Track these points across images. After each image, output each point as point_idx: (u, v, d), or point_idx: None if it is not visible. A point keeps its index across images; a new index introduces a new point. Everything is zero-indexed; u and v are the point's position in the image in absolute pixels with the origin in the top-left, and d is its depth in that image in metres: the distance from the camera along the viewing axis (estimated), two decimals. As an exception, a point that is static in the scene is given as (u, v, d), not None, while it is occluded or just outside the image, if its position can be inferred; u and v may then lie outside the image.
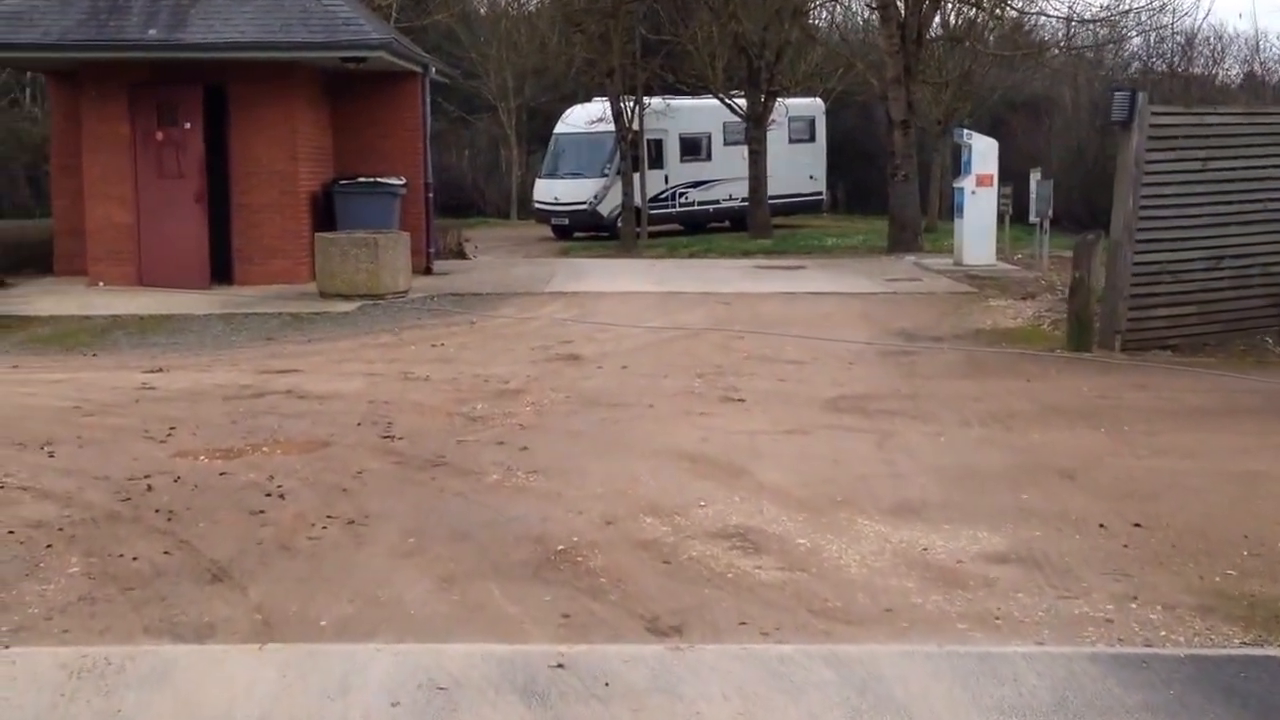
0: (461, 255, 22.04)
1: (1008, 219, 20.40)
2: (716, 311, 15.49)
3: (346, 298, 15.67)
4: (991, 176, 19.45)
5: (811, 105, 34.50)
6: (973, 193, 19.43)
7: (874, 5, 24.11)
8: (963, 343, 13.31)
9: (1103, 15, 25.08)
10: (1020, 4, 23.98)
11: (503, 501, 7.31)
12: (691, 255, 24.82)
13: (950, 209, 25.46)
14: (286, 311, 15.09)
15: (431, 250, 19.20)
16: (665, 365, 11.92)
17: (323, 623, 5.42)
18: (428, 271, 18.73)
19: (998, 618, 5.55)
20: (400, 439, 8.89)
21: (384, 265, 15.84)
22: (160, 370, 11.75)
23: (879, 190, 39.46)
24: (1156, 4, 36.08)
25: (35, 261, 18.64)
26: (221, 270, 17.07)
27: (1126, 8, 25.19)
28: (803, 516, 7.03)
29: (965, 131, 20.26)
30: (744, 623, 5.46)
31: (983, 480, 7.84)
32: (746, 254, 24.30)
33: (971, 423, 9.52)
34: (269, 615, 5.50)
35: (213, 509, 7.10)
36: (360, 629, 5.36)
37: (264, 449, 8.60)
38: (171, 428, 9.19)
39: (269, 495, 7.39)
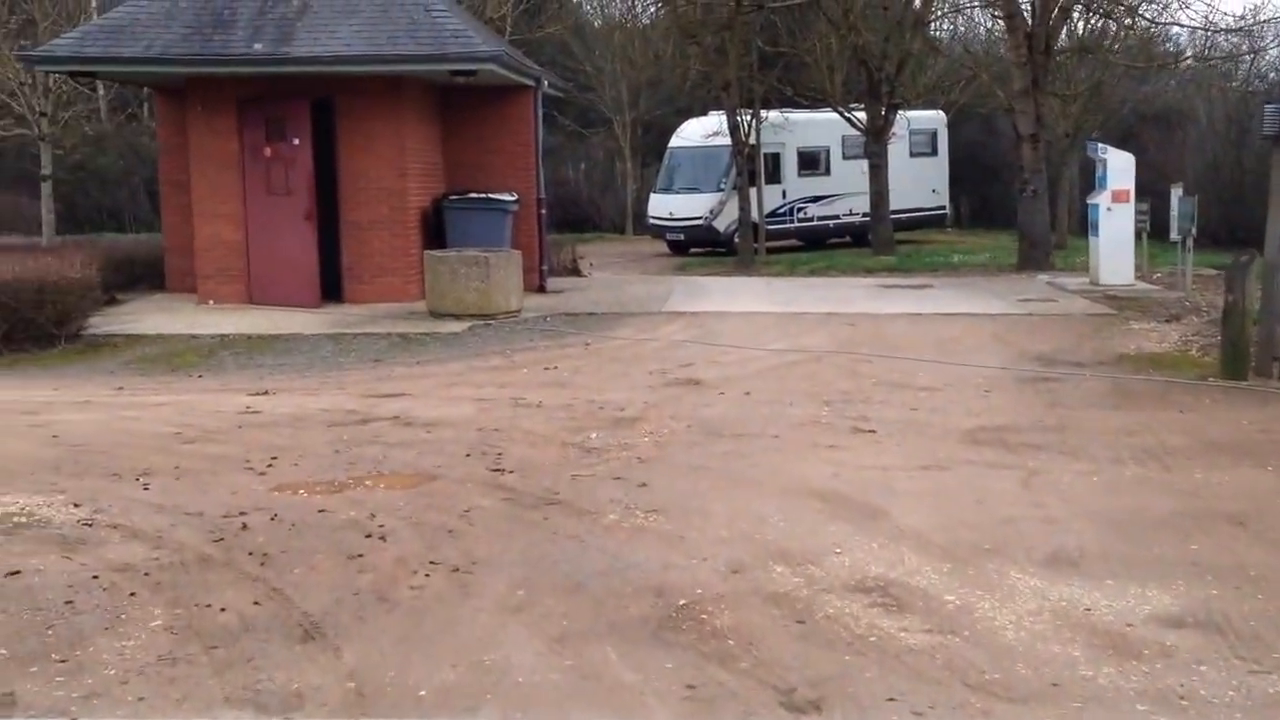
0: (576, 272, 21.57)
1: (1145, 237, 19.40)
2: (841, 333, 14.79)
3: (456, 317, 15.25)
4: (1128, 192, 18.45)
5: (933, 118, 33.60)
6: (1108, 209, 18.45)
7: (1000, 15, 23.18)
8: (1106, 369, 12.46)
9: (1239, 25, 23.77)
10: (1152, 14, 22.85)
11: (620, 545, 6.74)
12: (812, 273, 24.07)
13: (1080, 225, 24.43)
14: (395, 332, 14.71)
15: (544, 268, 18.74)
16: (790, 391, 11.28)
17: (422, 692, 4.88)
18: (540, 290, 18.27)
19: (1182, 697, 4.85)
20: (511, 472, 8.39)
21: (495, 284, 15.39)
22: (265, 393, 11.41)
23: (1003, 205, 38.44)
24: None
25: (148, 278, 18.54)
26: (331, 288, 16.77)
27: (1265, 17, 23.87)
28: (948, 567, 6.36)
29: (1100, 145, 19.27)
30: (892, 699, 4.82)
31: (1144, 527, 7.10)
32: (869, 271, 23.54)
33: (1124, 459, 8.74)
34: (363, 683, 4.96)
35: (309, 552, 6.63)
36: (463, 700, 4.81)
37: (367, 482, 8.16)
38: (273, 457, 8.80)
39: (369, 536, 6.91)
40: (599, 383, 11.81)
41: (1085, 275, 19.69)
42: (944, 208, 35.14)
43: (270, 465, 8.59)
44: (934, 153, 34.19)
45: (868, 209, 29.82)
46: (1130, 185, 18.50)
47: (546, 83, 18.81)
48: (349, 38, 16.15)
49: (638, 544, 6.78)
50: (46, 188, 25.59)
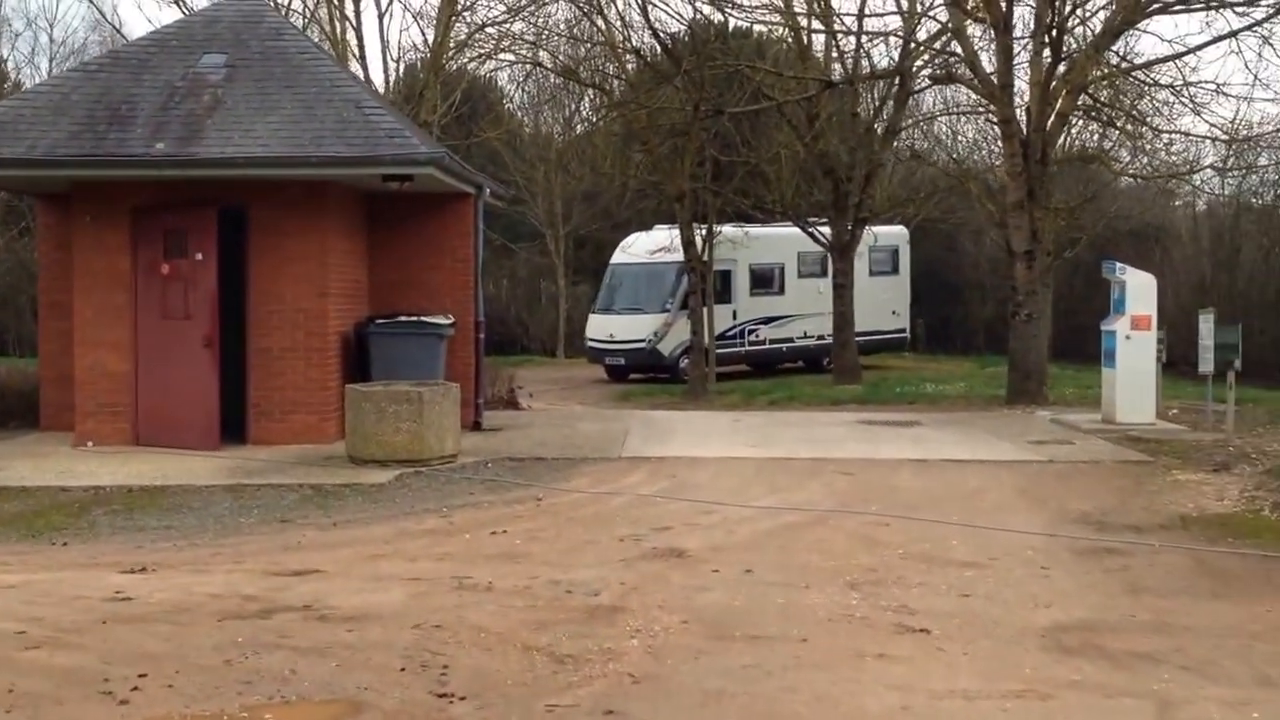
0: (514, 405, 19.28)
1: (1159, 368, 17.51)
2: (838, 485, 12.62)
3: (381, 464, 12.89)
4: (1150, 318, 16.49)
5: (895, 234, 31.99)
6: (1127, 337, 16.47)
7: (995, 120, 21.55)
8: (1174, 536, 10.35)
9: (1262, 132, 22.28)
10: (1158, 123, 21.25)
11: None
12: (772, 404, 22.00)
13: (1064, 350, 22.62)
14: (308, 483, 12.28)
15: (480, 401, 16.42)
16: (800, 568, 9.08)
17: None
18: (476, 427, 15.91)
19: None
20: (460, 699, 6.20)
21: (429, 424, 13.05)
22: (143, 570, 9.03)
23: (964, 327, 37.00)
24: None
25: (21, 413, 16.04)
26: (233, 427, 14.39)
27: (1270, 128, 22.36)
28: None
29: (1117, 265, 17.35)
30: None
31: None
32: (837, 403, 21.49)
33: (1276, 680, 6.63)
34: None
35: None
36: None
37: (266, 717, 5.86)
38: (140, 675, 6.51)
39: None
40: (560, 554, 9.56)
41: (1091, 411, 17.79)
42: (905, 330, 33.43)
43: (136, 687, 6.31)
44: (895, 271, 32.54)
45: (822, 331, 28.51)
46: (1152, 310, 16.57)
47: (489, 190, 16.69)
48: (267, 138, 14.07)
49: None
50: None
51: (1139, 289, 16.71)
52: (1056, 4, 20.13)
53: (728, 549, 9.72)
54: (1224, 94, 20.71)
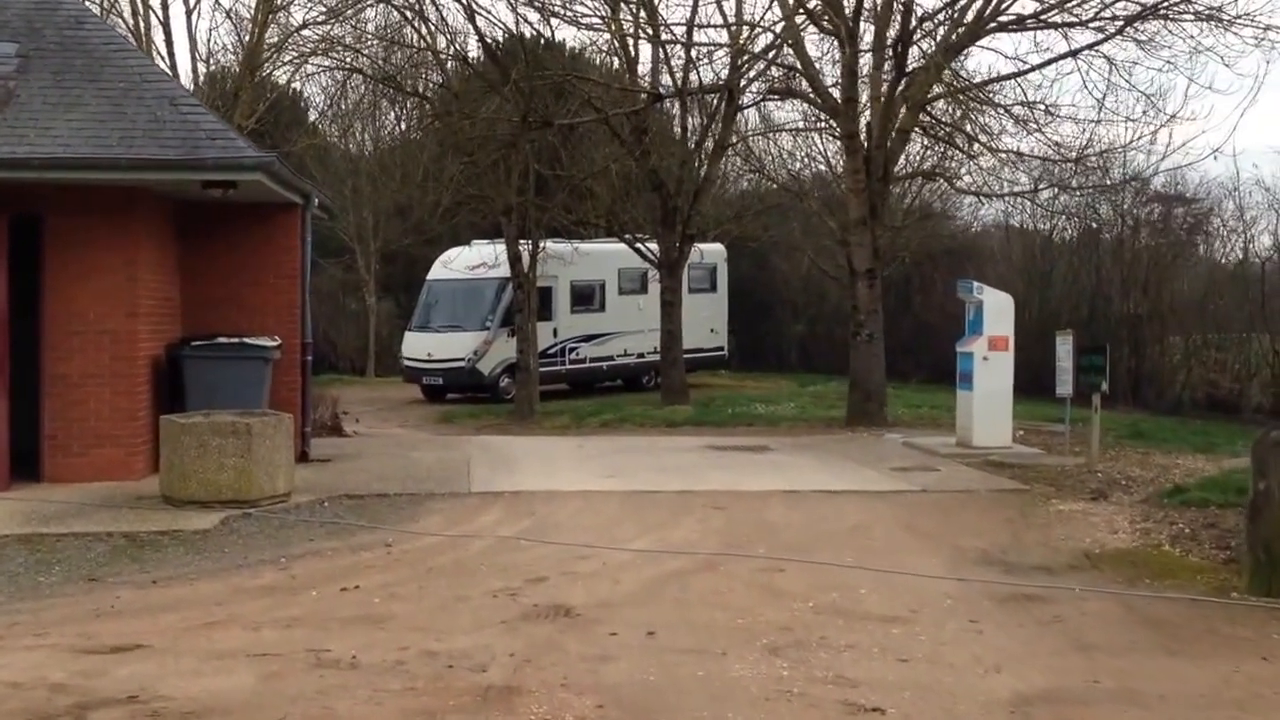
0: (338, 431, 17.80)
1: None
2: (714, 522, 11.62)
3: (203, 505, 11.35)
4: (1007, 339, 16.08)
5: (715, 251, 31.45)
6: (984, 359, 16.00)
7: (838, 135, 21.01)
8: (1089, 578, 9.64)
9: (1092, 151, 22.13)
10: (994, 143, 20.99)
11: None
12: (604, 426, 21.00)
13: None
14: (119, 530, 10.66)
15: (307, 430, 14.95)
16: (706, 628, 8.04)
17: None
18: (304, 458, 14.40)
19: None
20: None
21: (258, 460, 11.56)
22: (-83, 651, 7.43)
23: (776, 345, 36.80)
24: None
25: None
26: (26, 463, 12.65)
27: (1102, 148, 22.24)
28: None
29: (974, 284, 16.91)
30: None
31: None
32: (672, 425, 20.63)
33: (1286, 763, 5.92)
34: None
35: None
36: None
37: None
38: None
39: None
40: (429, 615, 8.32)
41: (930, 431, 17.39)
42: (724, 348, 32.91)
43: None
44: (713, 289, 32.02)
45: (642, 349, 28.23)
46: (1009, 331, 16.16)
47: (317, 201, 15.21)
48: (68, 137, 12.52)
49: None
50: None
51: (996, 309, 16.27)
52: (896, 17, 19.71)
53: (618, 604, 8.64)
54: (1052, 114, 20.30)
